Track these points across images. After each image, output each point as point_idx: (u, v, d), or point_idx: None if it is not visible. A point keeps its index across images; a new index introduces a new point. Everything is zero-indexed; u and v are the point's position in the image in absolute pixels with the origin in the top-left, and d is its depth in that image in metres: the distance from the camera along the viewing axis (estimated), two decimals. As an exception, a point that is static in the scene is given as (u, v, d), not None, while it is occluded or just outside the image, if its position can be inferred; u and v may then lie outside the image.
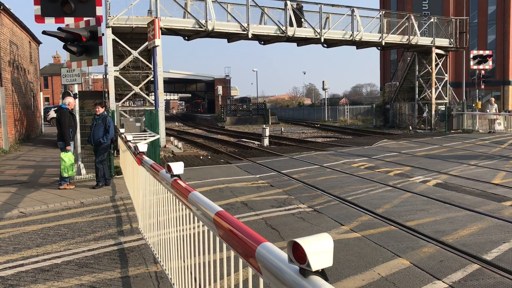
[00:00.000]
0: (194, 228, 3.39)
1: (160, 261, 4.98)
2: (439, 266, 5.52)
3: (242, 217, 7.92)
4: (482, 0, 57.05)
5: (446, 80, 31.91)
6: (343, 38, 25.95)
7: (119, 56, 19.74)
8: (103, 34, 11.48)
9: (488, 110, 26.21)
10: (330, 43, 27.11)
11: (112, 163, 12.36)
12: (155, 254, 5.32)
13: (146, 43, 16.77)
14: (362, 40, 26.52)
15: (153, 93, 19.86)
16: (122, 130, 11.86)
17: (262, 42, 25.28)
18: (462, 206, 8.45)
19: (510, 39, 55.47)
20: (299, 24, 24.50)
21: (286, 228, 7.26)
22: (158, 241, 5.08)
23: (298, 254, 1.59)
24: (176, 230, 4.03)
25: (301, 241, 1.57)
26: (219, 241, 2.67)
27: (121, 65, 19.54)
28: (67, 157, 10.57)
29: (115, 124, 12.08)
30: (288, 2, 23.32)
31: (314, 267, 1.56)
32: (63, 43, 11.18)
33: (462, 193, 9.62)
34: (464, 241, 6.39)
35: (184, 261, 3.78)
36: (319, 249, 1.57)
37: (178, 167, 3.90)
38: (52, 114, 38.13)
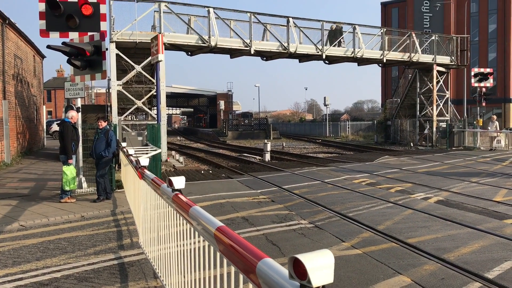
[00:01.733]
0: (194, 243, 3.39)
1: (160, 276, 4.96)
2: (440, 284, 5.48)
3: (243, 233, 7.89)
4: (483, 19, 57.52)
5: (447, 97, 32.00)
6: (345, 55, 26.10)
7: (122, 70, 19.87)
8: (107, 49, 11.58)
9: (489, 128, 26.23)
10: (332, 60, 27.25)
11: (113, 177, 12.36)
12: (155, 269, 5.30)
13: (150, 58, 16.90)
14: (363, 57, 26.67)
15: (155, 108, 19.96)
16: (124, 144, 11.88)
17: (265, 58, 25.45)
18: (464, 223, 8.42)
19: (510, 57, 55.78)
20: (339, 44, 25.81)
21: (287, 244, 7.23)
22: (158, 256, 5.06)
23: (299, 270, 1.60)
24: (177, 245, 4.02)
25: (302, 257, 1.57)
26: (220, 256, 2.67)
27: (124, 80, 19.66)
28: (69, 170, 10.58)
29: (117, 138, 12.09)
30: (291, 19, 23.53)
31: (315, 284, 1.56)
32: (67, 57, 11.28)
33: (463, 211, 9.59)
34: (466, 259, 6.36)
35: (184, 276, 3.77)
36: (320, 266, 1.58)
37: (179, 182, 3.91)
38: (55, 127, 38.26)
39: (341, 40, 25.92)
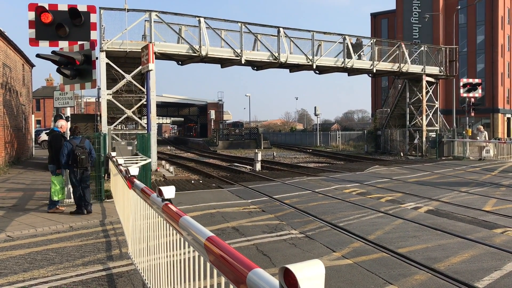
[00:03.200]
0: (184, 253, 3.35)
1: (149, 287, 4.90)
2: (431, 293, 5.47)
3: (233, 243, 7.85)
4: (471, 30, 58.34)
5: (437, 107, 32.30)
6: (335, 65, 26.29)
7: (112, 79, 19.80)
8: (97, 58, 11.54)
9: (478, 137, 26.47)
10: (322, 70, 27.43)
11: (102, 187, 12.27)
12: (145, 279, 5.23)
13: (140, 67, 16.87)
14: (353, 67, 26.88)
15: (145, 117, 19.88)
16: (113, 154, 11.78)
17: (255, 68, 25.53)
18: (454, 233, 8.45)
19: (498, 68, 56.58)
20: (358, 57, 26.99)
21: (277, 254, 7.20)
22: (148, 267, 5.00)
23: (289, 281, 1.58)
24: (166, 256, 3.98)
25: (293, 267, 1.56)
26: (210, 267, 2.64)
27: (114, 89, 19.60)
28: (58, 180, 10.48)
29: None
30: (281, 29, 23.67)
31: (306, 294, 1.54)
32: (56, 66, 11.22)
33: (453, 220, 9.63)
34: (456, 269, 6.37)
35: (174, 287, 3.72)
36: (311, 276, 1.56)
37: (169, 191, 3.87)
38: (44, 136, 37.94)
39: (361, 53, 26.76)
